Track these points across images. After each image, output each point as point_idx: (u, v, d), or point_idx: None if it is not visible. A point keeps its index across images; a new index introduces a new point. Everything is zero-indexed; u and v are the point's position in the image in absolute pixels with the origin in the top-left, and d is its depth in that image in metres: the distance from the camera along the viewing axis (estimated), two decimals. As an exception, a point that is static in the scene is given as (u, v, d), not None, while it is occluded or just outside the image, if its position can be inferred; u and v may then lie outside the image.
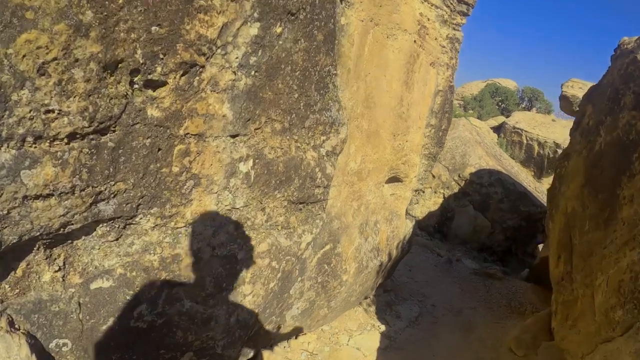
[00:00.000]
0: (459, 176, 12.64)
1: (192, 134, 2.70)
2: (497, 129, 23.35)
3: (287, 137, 3.36)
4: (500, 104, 27.10)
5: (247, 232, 3.25)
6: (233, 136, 2.96)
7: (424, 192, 12.98)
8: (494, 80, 29.95)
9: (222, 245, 3.08)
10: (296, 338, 5.03)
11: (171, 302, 2.88)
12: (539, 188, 14.24)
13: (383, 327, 5.97)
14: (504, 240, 12.39)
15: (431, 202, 12.81)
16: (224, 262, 3.12)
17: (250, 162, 3.13)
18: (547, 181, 18.89)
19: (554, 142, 22.17)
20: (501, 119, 25.28)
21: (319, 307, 4.89)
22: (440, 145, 7.12)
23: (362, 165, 4.92)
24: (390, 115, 5.12)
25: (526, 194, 12.36)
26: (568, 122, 24.33)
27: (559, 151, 22.51)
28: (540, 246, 15.62)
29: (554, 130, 22.82)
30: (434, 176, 12.88)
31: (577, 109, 9.24)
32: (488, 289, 8.08)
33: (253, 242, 3.31)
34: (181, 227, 2.83)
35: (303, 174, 3.55)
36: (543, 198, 13.44)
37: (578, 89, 21.36)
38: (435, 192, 12.84)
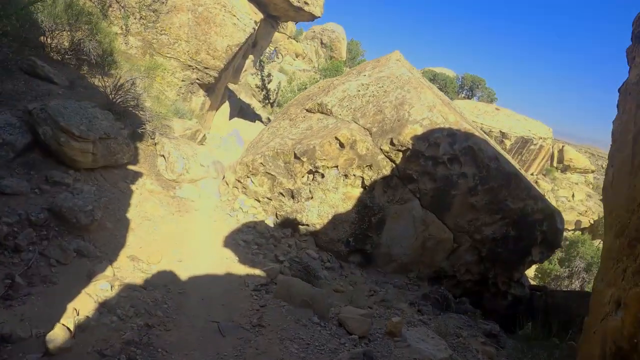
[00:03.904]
0: (392, 143, 6.28)
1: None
2: (431, 117, 18.24)
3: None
4: (438, 92, 22.36)
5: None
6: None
7: (323, 175, 6.36)
8: (431, 68, 25.66)
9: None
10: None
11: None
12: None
13: None
14: (476, 262, 6.22)
15: (338, 197, 6.25)
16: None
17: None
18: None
19: (500, 131, 17.65)
20: (437, 108, 20.44)
21: None
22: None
23: None
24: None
25: (518, 177, 6.37)
26: (512, 112, 20.19)
27: (505, 141, 18.08)
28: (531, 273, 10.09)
29: (499, 119, 18.46)
30: (342, 145, 6.34)
31: None
32: None
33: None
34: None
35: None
36: (534, 185, 7.60)
37: None
38: (347, 176, 6.32)
